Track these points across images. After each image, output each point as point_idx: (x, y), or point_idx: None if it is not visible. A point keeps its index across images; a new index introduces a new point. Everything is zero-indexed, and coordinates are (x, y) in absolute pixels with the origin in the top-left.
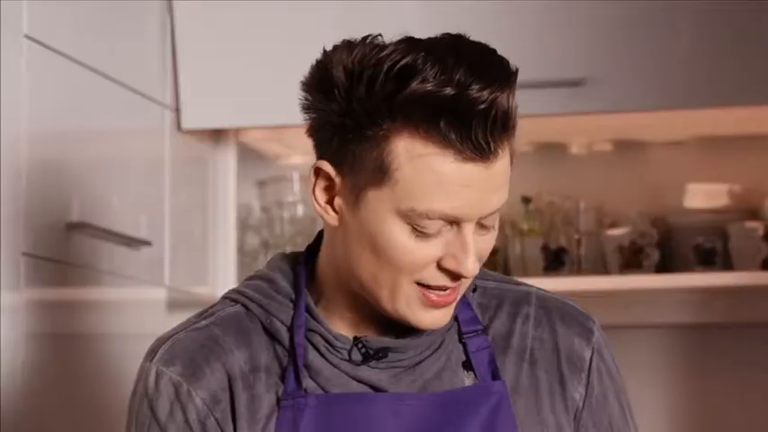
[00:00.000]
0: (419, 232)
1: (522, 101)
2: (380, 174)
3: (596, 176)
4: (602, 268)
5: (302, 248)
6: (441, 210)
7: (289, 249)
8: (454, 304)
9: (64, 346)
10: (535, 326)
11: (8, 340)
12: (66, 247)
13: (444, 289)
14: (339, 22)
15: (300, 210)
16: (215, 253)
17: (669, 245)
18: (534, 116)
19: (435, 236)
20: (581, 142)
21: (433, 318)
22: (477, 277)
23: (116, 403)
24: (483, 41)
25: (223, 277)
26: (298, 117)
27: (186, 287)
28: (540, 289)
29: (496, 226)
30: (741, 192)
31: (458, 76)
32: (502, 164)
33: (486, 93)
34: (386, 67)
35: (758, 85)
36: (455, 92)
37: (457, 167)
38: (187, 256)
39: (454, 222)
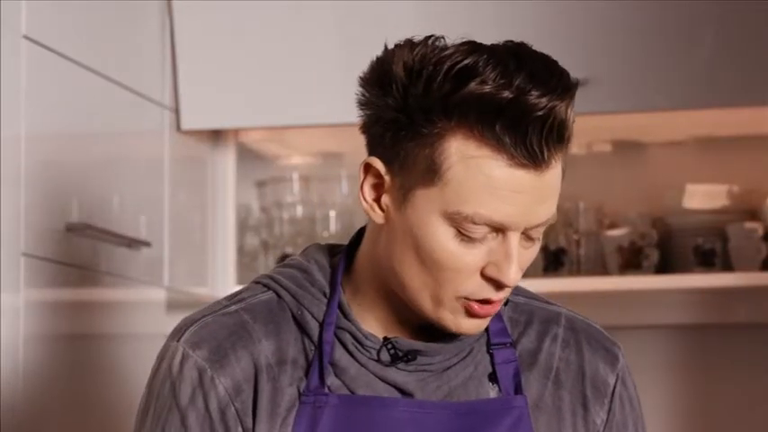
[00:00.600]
0: (464, 236)
1: None
2: (431, 173)
3: (596, 177)
4: (601, 269)
5: (301, 249)
6: (488, 215)
7: (289, 250)
8: (494, 313)
9: (64, 346)
10: (563, 347)
11: (8, 341)
12: (65, 248)
13: (488, 302)
14: (339, 22)
15: (300, 210)
16: (214, 253)
17: (668, 245)
18: None
19: (480, 242)
20: (580, 142)
21: (473, 325)
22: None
23: (116, 404)
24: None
25: (222, 278)
26: (297, 117)
27: (186, 288)
28: (569, 310)
29: (541, 239)
30: (740, 192)
31: (517, 81)
32: (554, 174)
33: (544, 100)
34: (446, 66)
35: (757, 85)
36: (513, 96)
37: (509, 172)
38: (186, 257)
39: (500, 230)
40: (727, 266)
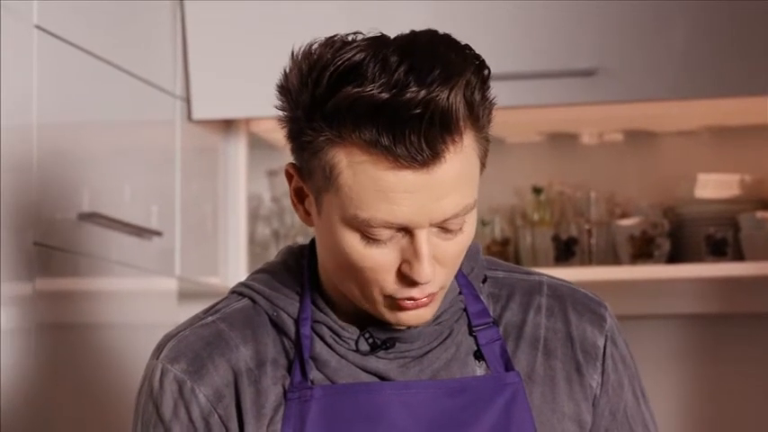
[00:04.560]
0: (369, 239)
1: (534, 91)
2: (326, 180)
3: (607, 166)
4: (612, 258)
5: (312, 238)
6: (383, 218)
7: (300, 240)
8: (435, 304)
9: (75, 335)
10: (548, 316)
11: (19, 330)
12: (77, 238)
13: (412, 299)
14: (350, 10)
15: None
16: (226, 243)
17: (680, 235)
18: (545, 106)
19: (387, 243)
20: (592, 132)
21: (414, 315)
22: (487, 268)
23: (126, 393)
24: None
25: (234, 267)
26: None
27: (197, 277)
28: (550, 277)
29: (468, 229)
30: (752, 182)
31: (396, 78)
32: (450, 168)
33: (422, 93)
34: (330, 69)
35: None
36: (389, 95)
37: (395, 174)
38: (198, 247)
39: (404, 229)
40: (739, 256)
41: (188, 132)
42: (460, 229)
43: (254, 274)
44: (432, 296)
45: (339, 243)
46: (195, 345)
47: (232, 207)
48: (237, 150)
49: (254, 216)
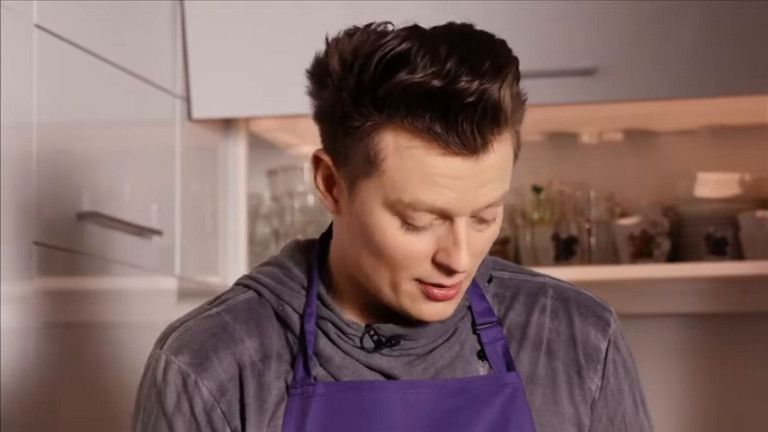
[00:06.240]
0: (409, 225)
1: (534, 90)
2: (368, 164)
3: (607, 166)
4: (612, 258)
5: (313, 237)
6: (427, 202)
7: (300, 238)
8: (458, 298)
9: (74, 335)
10: (552, 317)
11: (19, 329)
12: (76, 237)
13: (442, 286)
14: (349, 10)
15: (311, 199)
16: (225, 242)
17: (680, 234)
18: (545, 105)
19: (426, 229)
20: (592, 131)
21: (436, 310)
22: (492, 268)
23: (126, 392)
24: (490, 31)
25: (234, 267)
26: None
27: (197, 276)
28: (556, 279)
29: (498, 220)
30: (752, 181)
31: (447, 68)
32: (495, 157)
33: (475, 84)
34: (377, 57)
35: None
36: (442, 84)
37: (444, 161)
38: (198, 246)
39: (445, 216)
40: (739, 255)
41: (188, 132)
42: (493, 219)
43: (261, 267)
44: (457, 287)
45: (375, 230)
46: (200, 336)
47: (232, 206)
48: (237, 150)
49: (253, 215)
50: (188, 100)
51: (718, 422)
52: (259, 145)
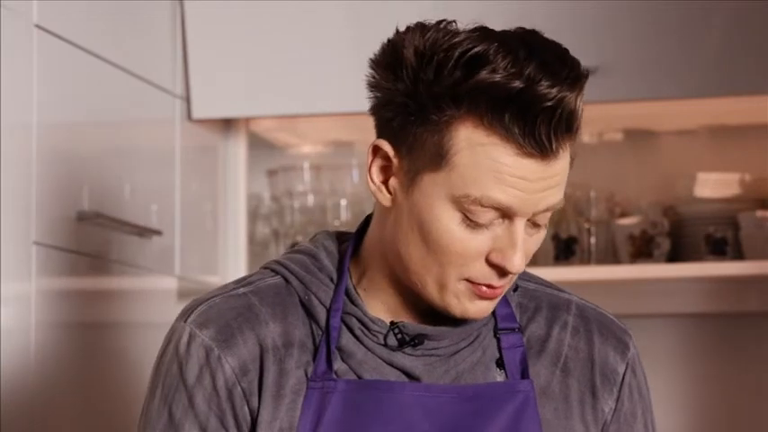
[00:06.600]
0: (470, 221)
1: None
2: (438, 158)
3: (607, 166)
4: (612, 258)
5: (311, 237)
6: (495, 198)
7: (299, 239)
8: (500, 297)
9: (74, 335)
10: (572, 334)
11: (19, 329)
12: (76, 237)
13: (491, 286)
14: (349, 11)
15: (311, 199)
16: (225, 242)
17: (680, 234)
18: None
19: (485, 227)
20: (592, 131)
21: (479, 308)
22: (519, 277)
23: (127, 391)
24: (555, 39)
25: (233, 267)
26: (308, 106)
27: (196, 277)
28: (580, 298)
29: (546, 227)
30: (752, 181)
31: (528, 71)
32: (561, 163)
33: (554, 90)
34: (457, 53)
35: None
36: (523, 86)
37: (516, 161)
38: (197, 246)
39: (506, 216)
40: (739, 255)
41: (188, 132)
42: (544, 225)
43: (290, 254)
44: (504, 287)
45: (434, 223)
46: (226, 314)
47: (232, 206)
48: (237, 149)
49: (253, 215)
50: (188, 100)
51: (718, 422)
52: (259, 145)
